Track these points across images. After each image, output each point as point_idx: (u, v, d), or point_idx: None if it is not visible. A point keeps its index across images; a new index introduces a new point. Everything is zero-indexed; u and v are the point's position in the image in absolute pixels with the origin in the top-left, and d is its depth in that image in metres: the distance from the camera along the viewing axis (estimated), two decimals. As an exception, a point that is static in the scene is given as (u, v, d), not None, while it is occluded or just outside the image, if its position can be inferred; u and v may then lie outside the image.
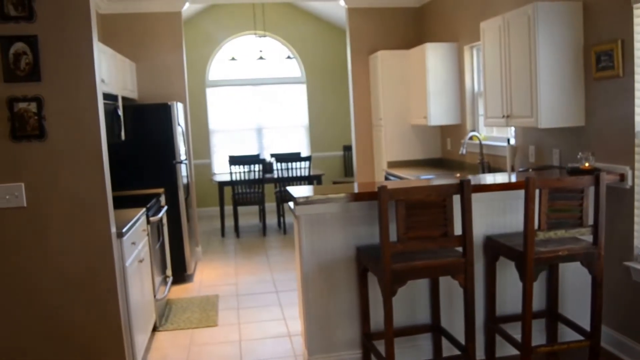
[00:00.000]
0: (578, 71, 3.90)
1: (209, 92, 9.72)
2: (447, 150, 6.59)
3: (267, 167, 8.41)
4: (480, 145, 5.43)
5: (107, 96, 4.40)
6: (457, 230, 3.18)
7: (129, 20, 6.40)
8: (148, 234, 4.36)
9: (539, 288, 3.74)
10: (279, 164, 8.10)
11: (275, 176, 8.17)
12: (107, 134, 3.45)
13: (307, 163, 8.08)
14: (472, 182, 3.54)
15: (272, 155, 8.78)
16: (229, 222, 8.59)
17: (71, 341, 3.21)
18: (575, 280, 3.79)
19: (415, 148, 6.78)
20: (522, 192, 3.29)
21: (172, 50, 6.56)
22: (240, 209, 8.44)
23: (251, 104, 9.94)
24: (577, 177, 3.26)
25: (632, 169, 3.48)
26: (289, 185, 7.97)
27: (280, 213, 8.46)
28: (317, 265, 3.57)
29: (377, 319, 3.55)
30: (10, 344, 3.15)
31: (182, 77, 6.62)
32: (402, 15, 7.03)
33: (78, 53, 3.09)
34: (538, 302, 3.76)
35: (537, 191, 3.21)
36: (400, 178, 5.77)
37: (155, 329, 4.48)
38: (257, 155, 8.85)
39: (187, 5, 6.56)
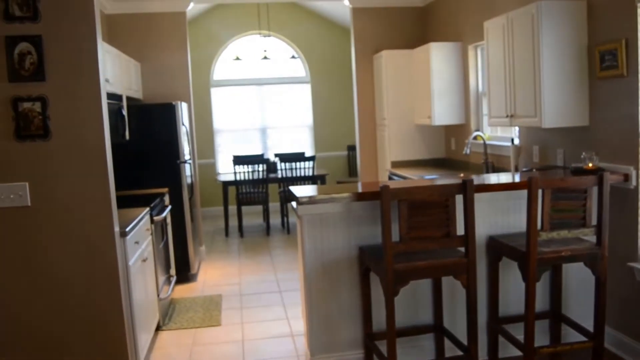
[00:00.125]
0: (582, 71, 3.89)
1: (214, 92, 9.74)
2: (451, 150, 6.58)
3: (271, 167, 8.42)
4: (484, 145, 5.42)
5: (111, 96, 4.41)
6: (460, 230, 3.18)
7: (133, 20, 6.42)
8: (152, 234, 4.37)
9: (542, 288, 3.73)
10: (283, 164, 8.11)
11: (279, 176, 8.17)
12: (112, 134, 3.46)
13: (311, 163, 8.09)
14: (476, 182, 3.54)
15: (276, 155, 8.78)
16: (233, 222, 8.60)
17: (74, 340, 3.22)
18: (578, 281, 3.78)
19: (419, 148, 6.77)
20: (525, 192, 3.28)
21: (177, 50, 6.58)
22: (244, 208, 8.45)
23: (255, 104, 9.95)
24: (580, 177, 3.25)
25: (636, 169, 3.47)
26: (293, 185, 7.97)
27: (284, 213, 8.47)
28: (319, 265, 3.57)
29: (379, 319, 3.55)
30: (18, 337, 3.18)
31: (187, 77, 6.64)
32: (406, 15, 7.03)
33: (82, 53, 3.10)
34: (541, 302, 3.75)
35: (540, 191, 3.20)
36: (404, 178, 5.76)
37: (158, 328, 4.49)
38: (262, 155, 8.87)
39: (191, 5, 6.58)
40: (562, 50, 3.88)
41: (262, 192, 8.12)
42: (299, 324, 4.47)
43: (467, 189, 3.11)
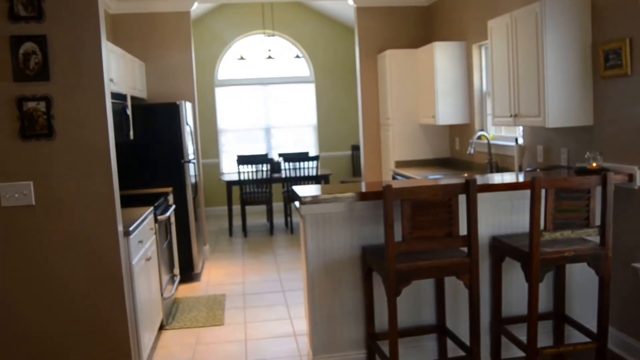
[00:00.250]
0: (586, 70, 3.88)
1: (218, 91, 9.75)
2: (455, 150, 6.57)
3: (275, 167, 8.42)
4: (489, 144, 5.41)
5: (115, 95, 4.42)
6: (463, 230, 3.18)
7: (138, 20, 6.44)
8: (156, 233, 4.39)
9: (545, 289, 3.73)
10: (286, 164, 8.11)
11: (283, 176, 8.18)
12: (116, 133, 3.47)
13: (315, 163, 8.09)
14: (479, 182, 3.55)
15: (280, 155, 8.79)
16: (237, 222, 8.61)
17: (77, 339, 3.23)
18: (582, 282, 3.77)
19: (423, 148, 6.76)
20: (528, 192, 3.27)
21: (181, 50, 6.59)
22: (248, 208, 8.46)
23: (260, 104, 9.96)
24: (584, 177, 3.24)
25: (641, 169, 3.46)
26: (297, 185, 7.98)
27: (288, 213, 8.47)
28: (322, 265, 3.57)
29: (382, 319, 3.55)
30: (21, 336, 3.19)
31: (191, 77, 6.65)
32: (410, 14, 7.02)
33: (87, 53, 3.11)
34: (544, 303, 3.74)
35: (543, 191, 3.19)
36: (408, 178, 5.76)
37: (162, 327, 4.50)
38: (265, 155, 8.87)
39: (195, 4, 6.59)
40: (566, 50, 3.87)
41: (265, 191, 8.13)
42: (302, 324, 4.47)
43: (470, 189, 3.11)
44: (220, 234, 8.36)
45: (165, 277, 4.73)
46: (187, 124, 5.90)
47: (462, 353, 3.42)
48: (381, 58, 6.87)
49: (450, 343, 3.62)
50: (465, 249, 3.20)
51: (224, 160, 9.83)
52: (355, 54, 7.19)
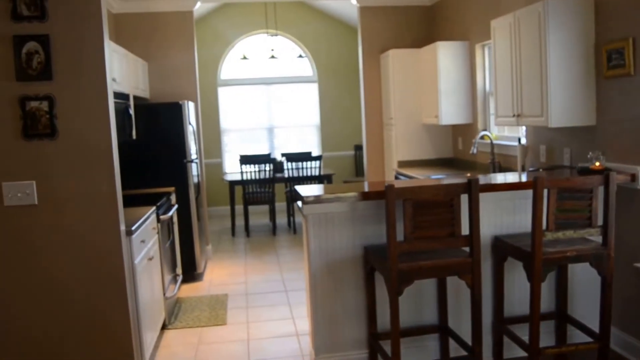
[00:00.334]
0: (589, 69, 3.87)
1: (221, 91, 9.76)
2: (458, 150, 6.57)
3: (278, 167, 8.42)
4: (491, 144, 5.40)
5: (118, 95, 4.43)
6: (465, 230, 3.17)
7: (141, 19, 6.45)
8: (158, 233, 4.39)
9: (547, 289, 3.72)
10: (289, 164, 8.11)
11: (286, 176, 8.17)
12: (118, 133, 3.48)
13: (318, 162, 8.09)
14: (482, 182, 3.54)
15: (282, 155, 8.79)
16: (240, 222, 8.62)
17: (79, 338, 3.23)
18: (584, 282, 3.76)
19: (426, 147, 6.76)
20: (531, 192, 3.26)
21: (184, 50, 6.60)
22: (250, 208, 8.46)
23: (262, 103, 9.97)
24: (586, 177, 3.23)
25: (643, 169, 3.45)
26: (300, 184, 7.97)
27: (291, 212, 8.48)
28: (324, 265, 3.57)
29: (384, 319, 3.55)
30: (24, 334, 3.20)
31: (194, 76, 6.65)
32: (413, 14, 7.02)
33: (89, 52, 3.12)
34: (547, 303, 3.74)
35: (545, 191, 3.19)
36: (411, 178, 5.75)
37: (164, 326, 4.50)
38: (268, 155, 8.86)
39: (198, 4, 6.60)
40: (569, 49, 3.87)
41: (268, 191, 8.13)
42: (305, 324, 4.47)
43: (472, 189, 3.10)
44: (223, 233, 8.37)
45: (168, 277, 4.74)
46: (190, 123, 5.91)
47: (464, 353, 3.42)
48: (384, 58, 6.87)
49: (452, 343, 3.61)
50: (467, 249, 3.20)
51: (226, 160, 9.83)
52: (358, 53, 7.18)
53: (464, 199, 3.19)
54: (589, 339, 3.47)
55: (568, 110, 3.90)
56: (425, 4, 7.00)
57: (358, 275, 3.60)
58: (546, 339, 3.70)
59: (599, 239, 3.30)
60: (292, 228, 8.39)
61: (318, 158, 8.08)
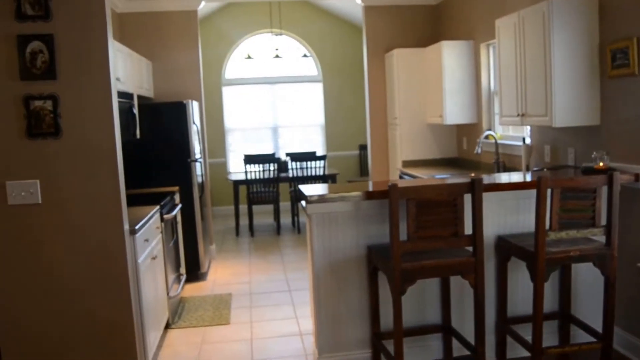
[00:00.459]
0: (593, 69, 3.86)
1: (225, 90, 9.76)
2: (463, 150, 6.56)
3: (282, 166, 8.42)
4: (496, 144, 5.39)
5: (122, 94, 4.44)
6: (468, 229, 3.17)
7: (145, 19, 6.46)
8: (162, 232, 4.40)
9: (551, 289, 3.71)
10: (294, 163, 8.11)
11: (290, 175, 8.17)
12: (122, 132, 3.49)
13: (322, 162, 8.09)
14: (486, 182, 3.54)
15: (287, 155, 8.80)
16: (244, 221, 8.63)
17: (82, 337, 3.24)
18: (587, 281, 3.75)
19: (430, 147, 6.75)
20: (535, 192, 3.25)
21: (188, 49, 6.61)
22: (254, 208, 8.46)
23: (267, 103, 9.97)
24: (590, 177, 3.22)
25: (648, 169, 3.44)
26: (304, 184, 7.97)
27: (295, 212, 8.48)
28: (328, 264, 3.57)
29: (387, 318, 3.55)
30: (27, 333, 3.21)
31: (198, 76, 6.67)
32: (418, 13, 7.01)
33: (93, 51, 3.12)
34: (550, 303, 3.72)
35: (549, 191, 3.18)
36: (415, 177, 5.75)
37: (167, 326, 4.51)
38: (273, 155, 8.87)
39: (203, 3, 6.61)
40: (573, 49, 3.85)
41: (273, 191, 8.14)
42: (308, 323, 4.47)
43: (476, 188, 3.10)
44: (227, 233, 8.38)
45: (172, 276, 4.75)
46: (194, 123, 5.92)
47: (467, 352, 3.42)
48: (389, 57, 6.86)
49: (455, 342, 3.61)
50: (470, 249, 3.20)
51: (231, 159, 9.84)
52: (363, 53, 7.18)
53: (467, 198, 3.18)
54: (592, 339, 3.46)
55: (572, 110, 3.89)
56: (430, 3, 6.99)
57: (361, 274, 3.60)
58: (549, 338, 3.69)
59: (602, 238, 3.30)
60: (297, 228, 8.39)
61: (322, 158, 8.08)
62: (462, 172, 5.80)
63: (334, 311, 3.60)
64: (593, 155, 3.72)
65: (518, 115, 4.36)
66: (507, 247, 3.54)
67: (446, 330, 3.64)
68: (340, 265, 3.58)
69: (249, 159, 7.96)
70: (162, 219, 4.43)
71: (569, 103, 3.88)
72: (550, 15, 3.83)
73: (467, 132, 6.36)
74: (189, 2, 6.52)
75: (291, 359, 3.94)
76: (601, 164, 3.64)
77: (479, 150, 5.47)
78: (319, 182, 8.08)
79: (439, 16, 6.94)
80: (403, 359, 3.14)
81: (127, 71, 5.03)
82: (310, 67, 10.01)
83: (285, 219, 8.97)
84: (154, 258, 3.96)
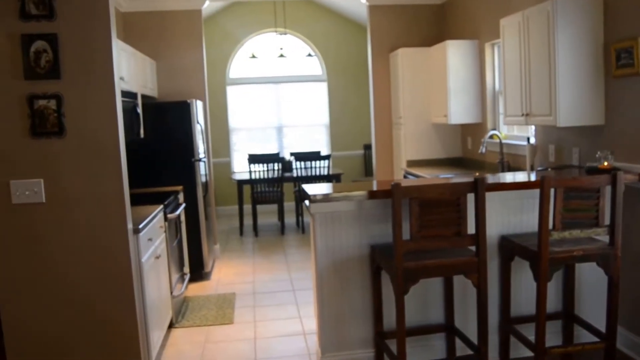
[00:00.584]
0: (598, 69, 3.85)
1: (229, 90, 9.77)
2: (467, 149, 6.54)
3: (287, 166, 8.43)
4: (500, 144, 5.38)
5: (126, 94, 4.45)
6: (471, 229, 3.16)
7: (149, 18, 6.47)
8: (165, 231, 4.41)
9: (554, 289, 3.70)
10: (298, 163, 8.11)
11: (295, 175, 8.17)
12: (126, 132, 3.50)
13: (327, 162, 8.08)
14: (490, 181, 3.53)
15: (291, 154, 8.80)
16: (248, 221, 8.63)
17: (86, 336, 3.25)
18: (591, 281, 3.74)
19: (435, 147, 6.74)
20: (538, 192, 3.24)
21: (192, 48, 6.62)
22: (259, 207, 8.48)
23: (271, 102, 9.97)
24: (593, 176, 3.21)
25: (652, 168, 3.42)
26: (308, 184, 7.96)
27: (299, 212, 8.48)
28: (331, 264, 3.57)
29: (390, 318, 3.54)
30: (31, 332, 3.22)
31: (202, 75, 6.67)
32: (423, 12, 6.99)
33: (97, 51, 3.13)
34: (554, 302, 3.72)
35: (552, 190, 3.17)
36: (419, 177, 5.74)
37: (171, 325, 4.52)
38: (277, 154, 8.87)
39: (207, 3, 6.61)
40: (578, 48, 3.84)
41: (277, 191, 8.14)
42: (312, 323, 4.48)
43: (479, 188, 3.09)
44: (231, 233, 8.39)
45: (175, 276, 4.76)
46: (198, 122, 5.93)
47: (470, 352, 3.41)
48: (393, 56, 6.86)
49: (458, 342, 3.60)
50: (473, 248, 3.19)
51: (235, 159, 9.85)
52: (367, 52, 7.18)
53: (471, 198, 3.18)
54: (596, 339, 3.44)
55: (577, 110, 3.88)
56: (435, 3, 6.97)
57: (364, 274, 3.60)
58: (553, 338, 3.68)
59: (605, 238, 3.28)
60: (301, 228, 8.39)
61: (327, 157, 8.07)
62: (467, 172, 5.79)
63: (337, 310, 3.60)
64: (597, 155, 3.71)
65: (522, 114, 4.35)
66: (510, 246, 3.53)
67: (449, 329, 3.63)
68: (343, 264, 3.58)
69: (253, 159, 7.96)
70: (165, 219, 4.43)
71: (574, 103, 3.87)
72: (555, 14, 3.82)
73: (472, 131, 6.34)
74: (193, 2, 6.53)
75: (294, 358, 3.94)
76: (605, 163, 3.63)
77: (484, 150, 5.46)
78: (323, 182, 8.07)
79: (444, 15, 6.93)
80: (406, 359, 3.14)
81: (131, 70, 5.04)
82: (315, 66, 10.01)
83: (290, 219, 8.97)
84: (157, 257, 3.97)
